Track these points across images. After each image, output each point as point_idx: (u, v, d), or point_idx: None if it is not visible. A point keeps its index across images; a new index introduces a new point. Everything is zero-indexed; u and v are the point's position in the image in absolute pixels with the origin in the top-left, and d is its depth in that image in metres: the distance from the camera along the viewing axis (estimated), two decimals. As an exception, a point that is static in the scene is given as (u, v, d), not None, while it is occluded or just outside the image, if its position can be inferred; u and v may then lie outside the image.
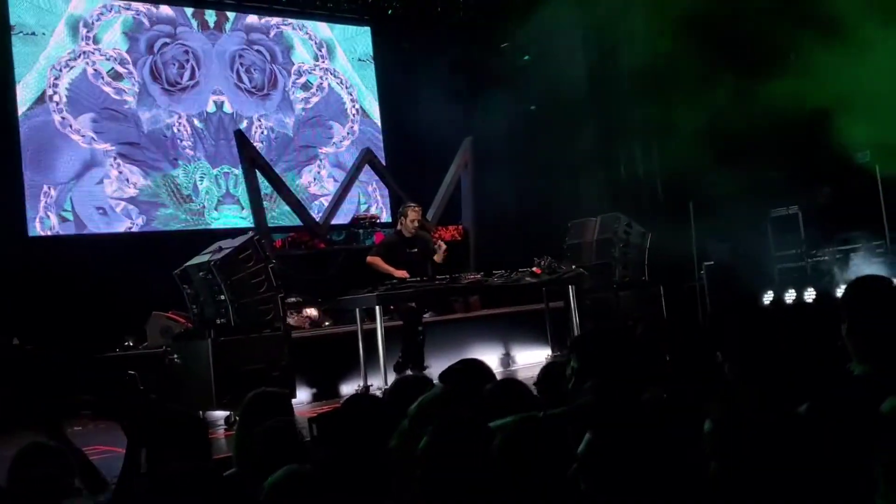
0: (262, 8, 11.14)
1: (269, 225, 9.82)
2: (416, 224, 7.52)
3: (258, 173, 9.56)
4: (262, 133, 11.01)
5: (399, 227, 7.69)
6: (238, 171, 10.23)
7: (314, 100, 11.51)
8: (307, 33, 11.55)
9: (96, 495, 3.07)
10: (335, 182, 11.13)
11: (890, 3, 7.90)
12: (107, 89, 9.94)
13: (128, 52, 10.15)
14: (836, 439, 2.01)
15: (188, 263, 6.75)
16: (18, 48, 9.33)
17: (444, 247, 7.62)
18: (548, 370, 3.30)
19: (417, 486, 2.22)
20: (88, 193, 9.69)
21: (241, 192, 10.35)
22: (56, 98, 9.55)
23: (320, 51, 11.64)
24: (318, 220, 10.08)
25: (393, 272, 7.20)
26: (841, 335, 2.64)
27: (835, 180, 9.06)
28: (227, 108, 10.76)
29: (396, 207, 8.60)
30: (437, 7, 11.53)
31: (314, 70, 11.53)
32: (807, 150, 9.00)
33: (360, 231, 10.15)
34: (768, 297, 9.37)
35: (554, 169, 10.88)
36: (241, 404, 3.39)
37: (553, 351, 8.34)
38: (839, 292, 7.44)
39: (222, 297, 6.52)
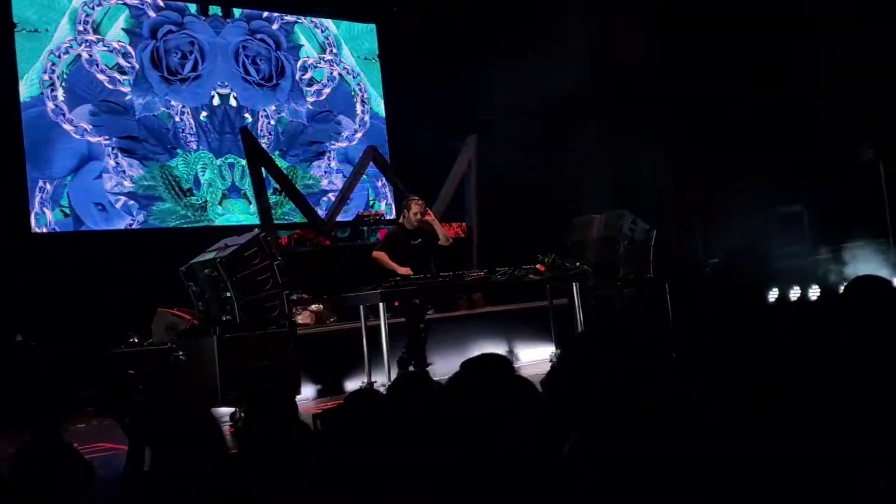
0: (266, 4, 11.06)
1: (278, 222, 9.83)
2: (418, 217, 7.53)
3: (264, 171, 9.58)
4: (271, 125, 10.88)
5: (402, 220, 7.71)
6: (245, 162, 10.08)
7: (325, 91, 11.39)
8: (313, 26, 11.45)
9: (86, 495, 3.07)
10: (343, 178, 11.10)
11: None
12: (101, 77, 9.74)
13: (129, 37, 9.97)
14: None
15: (194, 261, 6.78)
16: (21, 45, 9.29)
17: (441, 229, 7.67)
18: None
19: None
20: (86, 189, 9.53)
21: (249, 184, 10.12)
22: (52, 87, 9.41)
23: (327, 40, 11.52)
24: (324, 216, 10.11)
25: (397, 269, 7.21)
26: (842, 332, 2.66)
27: (839, 177, 9.06)
28: (233, 101, 10.62)
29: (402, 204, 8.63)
30: (441, 4, 11.53)
31: (320, 64, 11.43)
32: (812, 148, 9.00)
33: (365, 228, 10.17)
34: (773, 295, 9.38)
35: (558, 165, 10.88)
36: (245, 402, 3.41)
37: (557, 348, 8.35)
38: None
39: (228, 295, 6.54)
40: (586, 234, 9.09)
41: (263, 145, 10.51)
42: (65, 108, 9.50)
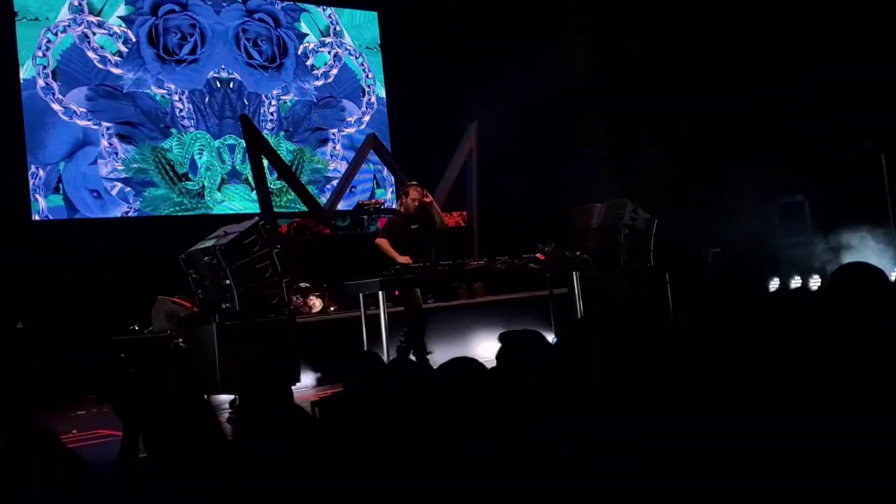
0: None
1: (283, 210, 9.78)
2: (416, 203, 7.52)
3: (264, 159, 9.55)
4: (276, 108, 10.69)
5: (400, 207, 7.70)
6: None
7: (332, 73, 11.22)
8: (317, 9, 11.30)
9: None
10: (347, 164, 10.96)
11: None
12: (92, 55, 9.51)
13: (129, 15, 9.77)
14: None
15: (193, 248, 6.77)
16: (22, 33, 9.23)
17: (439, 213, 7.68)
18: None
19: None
20: (81, 175, 9.32)
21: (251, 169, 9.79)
22: (45, 68, 9.23)
23: (331, 22, 11.36)
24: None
25: (396, 257, 7.20)
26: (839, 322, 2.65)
27: (840, 168, 9.04)
28: (234, 85, 10.38)
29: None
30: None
31: (321, 48, 11.26)
32: (814, 138, 8.99)
33: (365, 217, 10.15)
34: (774, 284, 9.37)
35: (560, 154, 10.85)
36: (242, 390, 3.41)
37: (557, 337, 8.34)
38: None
39: (227, 282, 6.53)
40: (587, 223, 9.06)
41: (268, 128, 10.44)
42: (56, 88, 9.29)
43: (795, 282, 9.14)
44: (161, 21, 9.99)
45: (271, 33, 10.83)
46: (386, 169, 11.40)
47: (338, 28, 11.44)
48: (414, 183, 7.77)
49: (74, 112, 9.39)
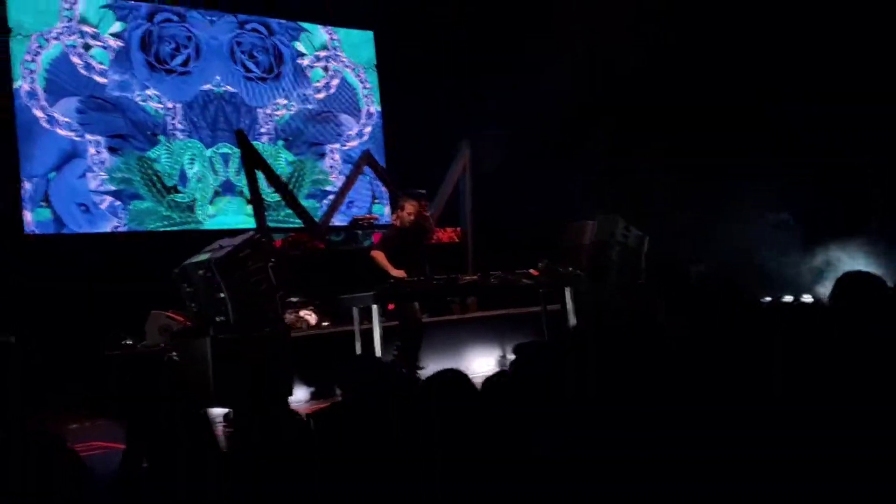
0: (261, 12, 10.77)
1: (278, 225, 9.73)
2: (412, 217, 7.57)
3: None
4: (274, 118, 10.54)
5: (396, 220, 7.76)
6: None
7: (333, 83, 11.09)
8: (309, 32, 11.21)
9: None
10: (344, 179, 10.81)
11: None
12: (75, 59, 9.23)
13: (121, 31, 9.53)
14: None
15: (187, 262, 6.80)
16: (17, 49, 9.00)
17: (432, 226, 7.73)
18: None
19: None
20: (69, 188, 9.04)
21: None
22: (33, 78, 8.99)
23: (329, 36, 11.27)
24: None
25: (391, 271, 7.24)
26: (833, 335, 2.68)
27: (828, 183, 9.16)
28: (229, 97, 10.19)
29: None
30: (441, 12, 11.56)
31: (316, 64, 11.14)
32: (801, 154, 9.10)
33: (360, 232, 10.18)
34: (766, 300, 9.42)
35: (553, 171, 10.93)
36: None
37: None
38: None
39: (222, 296, 6.56)
40: (579, 239, 9.13)
41: (266, 139, 10.41)
42: (43, 97, 9.02)
43: (787, 299, 9.21)
44: (157, 28, 9.80)
45: (266, 42, 10.67)
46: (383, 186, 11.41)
47: (336, 43, 11.40)
48: (410, 198, 7.82)
49: (62, 123, 9.12)
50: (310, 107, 10.90)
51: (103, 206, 9.29)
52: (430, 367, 7.30)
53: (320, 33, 11.34)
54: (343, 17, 11.56)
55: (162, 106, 9.69)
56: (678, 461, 2.19)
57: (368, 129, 11.50)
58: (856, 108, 8.63)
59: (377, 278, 7.18)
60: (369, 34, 11.81)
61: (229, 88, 10.31)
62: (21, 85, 9.00)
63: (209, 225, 9.84)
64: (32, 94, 9.01)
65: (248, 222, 9.82)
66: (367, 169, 10.49)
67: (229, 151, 10.02)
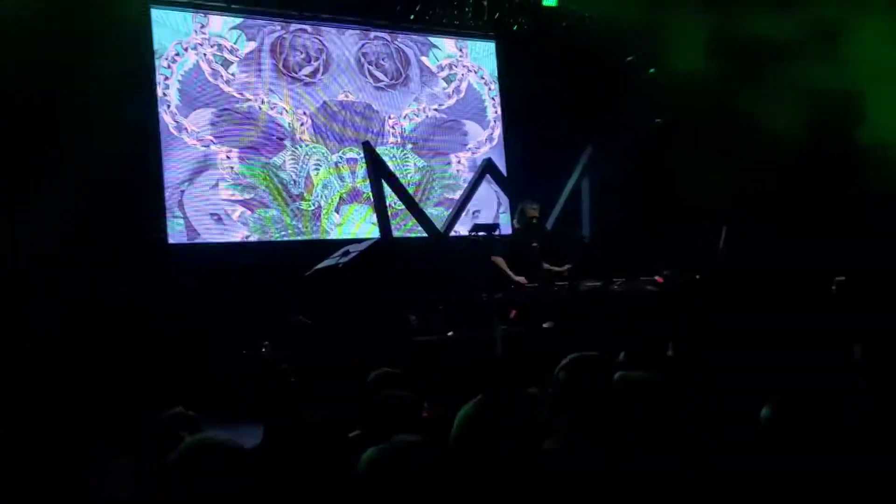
0: (386, 26, 10.80)
1: (404, 236, 9.77)
2: (534, 221, 7.62)
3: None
4: (402, 124, 10.55)
5: (517, 225, 7.82)
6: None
7: (462, 86, 11.04)
8: (437, 48, 11.18)
9: None
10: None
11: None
12: (204, 66, 9.25)
13: (249, 39, 9.56)
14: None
15: (317, 267, 7.03)
16: (162, 71, 9.13)
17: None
18: None
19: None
20: (203, 197, 9.06)
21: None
22: (165, 77, 9.05)
23: (457, 48, 11.27)
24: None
25: (511, 276, 7.28)
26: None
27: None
28: (359, 108, 10.22)
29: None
30: (563, 22, 11.53)
31: (440, 73, 11.11)
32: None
33: (480, 239, 10.18)
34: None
35: (676, 179, 10.72)
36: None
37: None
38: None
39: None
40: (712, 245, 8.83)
41: (393, 144, 10.49)
42: (175, 106, 9.09)
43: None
44: (290, 36, 9.87)
45: (390, 48, 10.68)
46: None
47: (460, 52, 11.38)
48: (530, 203, 7.86)
49: (191, 132, 9.15)
50: (438, 111, 10.92)
51: (235, 217, 9.30)
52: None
53: (452, 45, 11.31)
54: (466, 28, 11.60)
55: (289, 114, 9.78)
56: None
57: (495, 134, 11.47)
58: None
59: (498, 283, 7.23)
60: (490, 47, 11.76)
61: (360, 98, 10.36)
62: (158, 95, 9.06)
63: (335, 235, 9.82)
64: (166, 104, 9.10)
65: (374, 231, 9.77)
66: (489, 177, 10.54)
67: (356, 156, 10.00)
